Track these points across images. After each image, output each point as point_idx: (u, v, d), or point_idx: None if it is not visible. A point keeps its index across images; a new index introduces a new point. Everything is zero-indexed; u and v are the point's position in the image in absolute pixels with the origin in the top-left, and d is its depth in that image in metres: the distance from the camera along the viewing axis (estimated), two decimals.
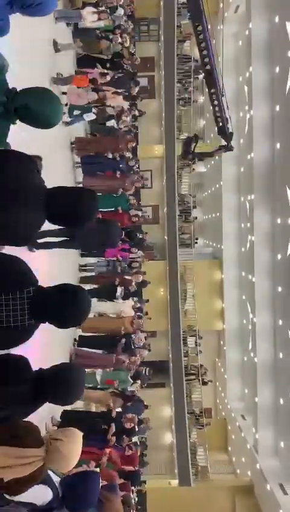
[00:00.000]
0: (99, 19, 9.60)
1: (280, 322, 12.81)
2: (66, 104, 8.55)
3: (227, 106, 10.83)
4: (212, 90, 10.53)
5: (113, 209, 9.84)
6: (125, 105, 10.64)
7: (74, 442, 2.15)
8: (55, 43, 8.05)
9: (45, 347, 6.39)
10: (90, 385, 8.10)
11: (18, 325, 1.93)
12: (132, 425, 7.40)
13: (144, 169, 16.99)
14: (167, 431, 18.53)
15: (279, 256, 12.68)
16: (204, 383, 17.14)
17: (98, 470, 5.68)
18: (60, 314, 2.00)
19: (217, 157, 15.93)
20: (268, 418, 13.74)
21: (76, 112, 8.60)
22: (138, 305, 10.61)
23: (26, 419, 2.13)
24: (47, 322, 2.03)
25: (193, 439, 16.69)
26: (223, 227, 16.87)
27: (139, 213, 12.31)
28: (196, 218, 18.99)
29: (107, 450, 6.54)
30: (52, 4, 2.45)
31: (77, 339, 8.83)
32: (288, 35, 11.19)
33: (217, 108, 10.80)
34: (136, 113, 14.05)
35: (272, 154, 12.89)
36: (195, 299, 16.98)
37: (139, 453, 7.89)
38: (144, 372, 12.21)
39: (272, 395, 13.56)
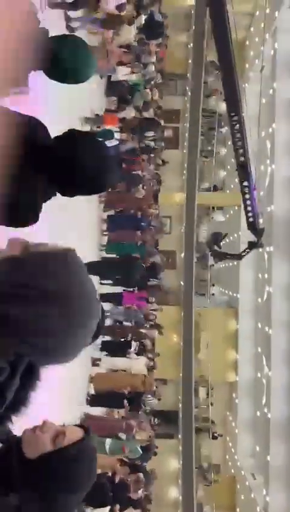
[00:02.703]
0: (132, 72, 10.15)
1: None
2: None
3: (259, 199, 10.12)
4: (245, 184, 9.74)
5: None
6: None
7: None
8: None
9: (56, 402, 6.25)
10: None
11: None
12: (138, 496, 7.17)
13: (163, 215, 17.29)
14: (173, 485, 17.74)
15: None
16: (214, 437, 16.56)
17: None
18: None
19: (236, 208, 16.16)
20: (280, 479, 13.11)
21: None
22: (151, 363, 10.51)
23: None
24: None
25: (199, 497, 15.95)
26: (240, 276, 16.84)
27: (158, 258, 12.50)
28: (213, 265, 19.01)
29: None
30: None
31: (90, 394, 8.80)
32: None
33: (248, 202, 9.97)
34: (160, 162, 14.51)
35: None
36: (208, 348, 16.72)
37: None
38: (152, 421, 11.94)
39: (285, 455, 13.01)
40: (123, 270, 8.79)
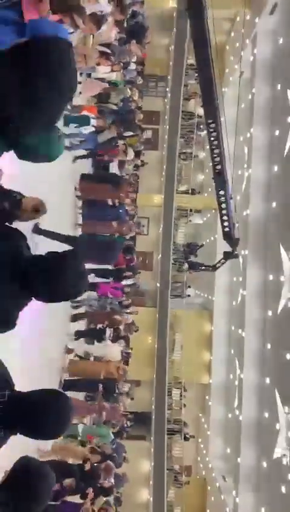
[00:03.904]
0: (112, 71, 10.04)
1: (267, 381, 12.61)
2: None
3: (235, 209, 10.05)
4: (221, 192, 9.80)
5: None
6: (132, 155, 10.93)
7: None
8: None
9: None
10: (71, 434, 7.89)
11: None
12: (110, 484, 7.13)
13: (141, 216, 17.26)
14: (144, 487, 17.72)
15: (269, 313, 12.68)
16: (186, 439, 16.60)
17: None
18: (37, 424, 1.72)
19: (213, 211, 16.24)
20: (250, 482, 13.22)
21: (73, 125, 8.10)
22: (127, 350, 10.48)
23: None
24: (19, 434, 1.75)
25: (170, 498, 15.97)
26: (215, 279, 16.95)
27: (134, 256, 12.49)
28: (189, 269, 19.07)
29: None
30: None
31: (63, 381, 8.69)
32: (289, 101, 11.77)
33: (224, 212, 9.99)
34: (139, 162, 14.47)
35: (268, 212, 13.20)
36: (183, 349, 16.76)
37: None
38: (124, 423, 11.88)
39: (255, 457, 13.12)
40: (103, 248, 8.72)
